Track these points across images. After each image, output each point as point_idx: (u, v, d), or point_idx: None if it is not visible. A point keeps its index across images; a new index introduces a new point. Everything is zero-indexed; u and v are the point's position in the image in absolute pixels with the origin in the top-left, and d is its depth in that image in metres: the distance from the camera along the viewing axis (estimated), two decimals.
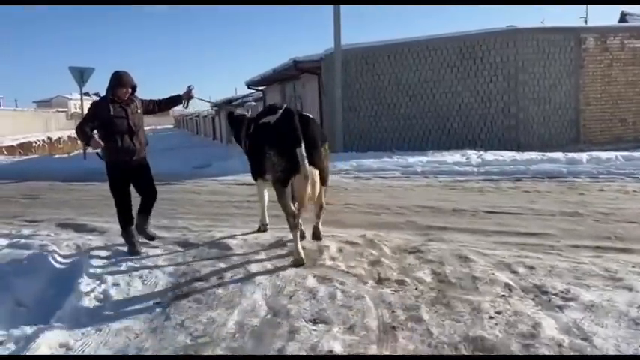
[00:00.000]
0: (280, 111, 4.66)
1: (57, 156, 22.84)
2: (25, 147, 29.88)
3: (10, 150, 27.58)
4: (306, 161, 4.26)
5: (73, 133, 26.92)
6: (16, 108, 44.39)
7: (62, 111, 50.63)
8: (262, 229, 5.76)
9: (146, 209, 5.43)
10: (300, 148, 4.26)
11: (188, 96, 5.58)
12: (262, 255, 4.87)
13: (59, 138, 35.27)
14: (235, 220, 6.49)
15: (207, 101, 7.43)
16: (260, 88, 21.94)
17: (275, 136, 4.53)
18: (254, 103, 25.70)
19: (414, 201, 7.15)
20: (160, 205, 7.62)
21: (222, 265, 4.62)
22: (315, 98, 15.51)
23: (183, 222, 6.48)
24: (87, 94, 19.04)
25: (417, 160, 10.65)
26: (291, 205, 4.61)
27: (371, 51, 14.32)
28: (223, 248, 5.13)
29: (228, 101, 27.78)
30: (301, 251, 4.57)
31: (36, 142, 31.28)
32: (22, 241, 5.56)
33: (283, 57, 16.24)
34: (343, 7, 13.82)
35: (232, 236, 5.51)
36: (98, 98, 5.24)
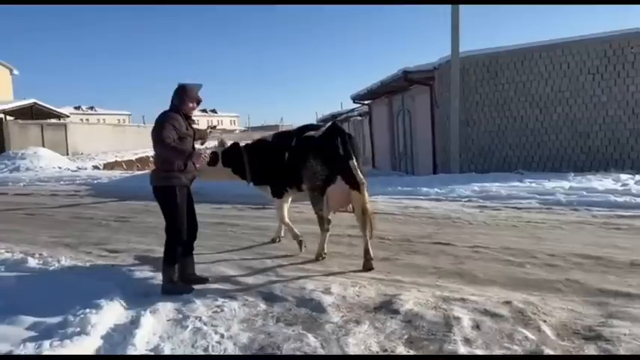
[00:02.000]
0: (324, 127, 5.12)
1: None
2: (143, 161, 31.28)
3: (129, 164, 28.94)
4: (359, 171, 4.80)
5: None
6: (139, 125, 47.31)
7: None
8: (277, 240, 6.18)
9: (192, 247, 4.75)
10: (353, 160, 4.81)
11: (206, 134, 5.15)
12: (366, 326, 3.54)
13: None
14: (332, 261, 5.24)
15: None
16: (366, 102, 20.77)
17: (324, 149, 4.91)
18: (359, 117, 24.70)
19: (566, 245, 5.44)
20: (249, 236, 6.70)
21: (312, 339, 3.36)
22: (426, 112, 14.00)
23: (272, 261, 5.35)
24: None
25: (556, 186, 8.75)
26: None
27: (494, 57, 12.55)
28: (315, 309, 3.89)
29: (333, 117, 27.07)
30: (325, 247, 5.28)
31: (152, 157, 32.68)
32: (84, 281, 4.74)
33: (392, 69, 14.95)
34: (462, 8, 12.23)
35: (327, 289, 4.25)
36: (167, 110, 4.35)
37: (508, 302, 3.78)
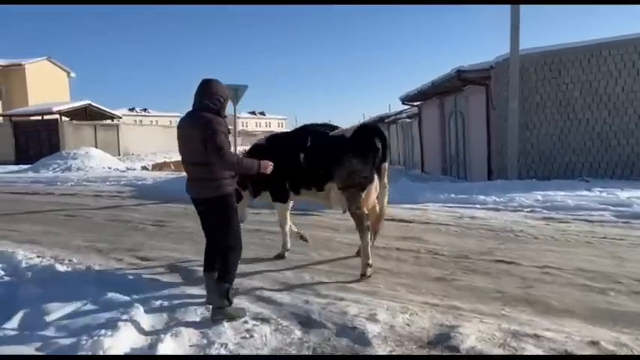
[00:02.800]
0: (354, 126, 5.05)
1: None
2: None
3: (177, 165, 29.18)
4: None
5: (237, 149, 27.53)
6: None
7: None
8: (282, 255, 5.59)
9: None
10: (386, 162, 4.93)
11: None
12: None
13: None
14: (379, 280, 4.65)
15: None
16: (416, 103, 19.97)
17: (362, 147, 4.78)
18: (408, 119, 23.89)
19: None
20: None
21: None
22: (481, 114, 13.14)
23: (311, 276, 4.82)
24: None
25: (631, 196, 7.81)
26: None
27: (557, 55, 11.56)
28: (358, 340, 3.32)
29: (380, 119, 26.36)
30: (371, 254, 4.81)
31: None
32: (109, 294, 4.35)
33: (442, 70, 14.18)
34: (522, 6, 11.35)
35: (373, 316, 3.67)
36: (212, 115, 3.79)
37: (594, 343, 3.09)
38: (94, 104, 33.15)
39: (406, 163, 22.87)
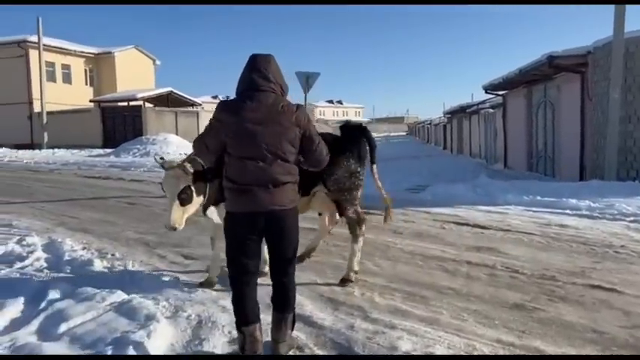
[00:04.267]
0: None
1: None
2: None
3: None
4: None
5: None
6: None
7: None
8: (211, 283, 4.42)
9: None
10: (375, 164, 4.50)
11: None
12: None
13: None
14: (442, 303, 3.89)
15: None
16: (500, 93, 18.49)
17: (358, 148, 4.42)
18: (491, 110, 22.30)
19: None
20: (342, 249, 5.52)
21: None
22: (574, 104, 11.73)
23: (361, 292, 4.15)
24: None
25: None
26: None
27: None
28: None
29: (461, 108, 24.90)
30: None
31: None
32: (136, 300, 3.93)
33: (530, 58, 12.76)
34: None
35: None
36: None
37: None
38: (175, 91, 34.11)
39: (487, 156, 21.38)
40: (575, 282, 4.28)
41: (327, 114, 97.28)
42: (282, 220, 2.90)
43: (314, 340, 3.28)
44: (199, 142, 3.09)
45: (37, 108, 31.01)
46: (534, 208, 7.43)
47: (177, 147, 23.72)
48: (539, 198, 7.77)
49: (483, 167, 16.98)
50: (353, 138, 4.45)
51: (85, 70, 37.40)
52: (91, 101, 33.68)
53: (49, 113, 29.74)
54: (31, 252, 5.51)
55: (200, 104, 38.26)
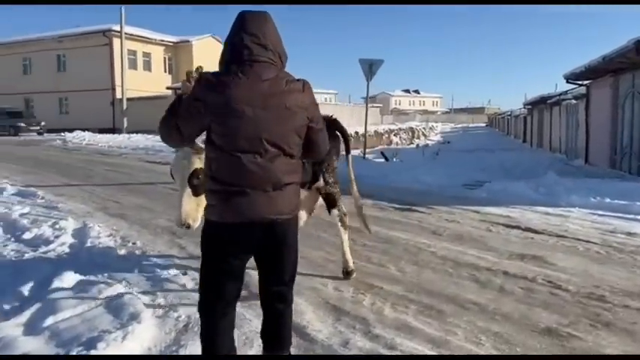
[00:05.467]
0: None
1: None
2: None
3: None
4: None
5: (381, 128, 27.22)
6: (345, 104, 48.32)
7: (376, 106, 52.99)
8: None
9: None
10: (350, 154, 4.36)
11: None
12: None
13: (364, 133, 36.28)
14: (460, 320, 3.37)
15: None
16: (583, 82, 16.96)
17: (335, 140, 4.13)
18: (574, 101, 20.56)
19: None
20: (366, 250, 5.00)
21: None
22: None
23: (372, 302, 3.71)
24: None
25: None
26: None
27: None
28: None
29: (541, 99, 23.27)
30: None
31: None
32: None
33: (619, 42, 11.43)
34: None
35: None
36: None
37: None
38: None
39: (568, 151, 19.77)
40: (629, 305, 3.59)
41: (403, 104, 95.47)
42: (283, 232, 2.29)
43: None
44: (167, 128, 2.36)
45: (118, 94, 32.55)
46: (600, 212, 6.53)
47: None
48: (608, 200, 6.84)
49: (561, 163, 15.70)
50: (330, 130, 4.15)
51: (165, 58, 38.86)
52: (167, 88, 34.94)
53: (129, 99, 31.10)
54: (59, 236, 5.53)
55: None
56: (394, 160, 18.65)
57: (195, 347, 3.02)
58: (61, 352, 2.94)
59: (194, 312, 3.49)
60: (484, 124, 76.40)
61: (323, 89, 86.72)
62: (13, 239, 5.56)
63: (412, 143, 40.80)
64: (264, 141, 2.16)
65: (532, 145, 27.45)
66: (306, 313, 3.52)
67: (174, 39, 39.22)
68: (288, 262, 2.37)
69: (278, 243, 2.30)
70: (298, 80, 2.29)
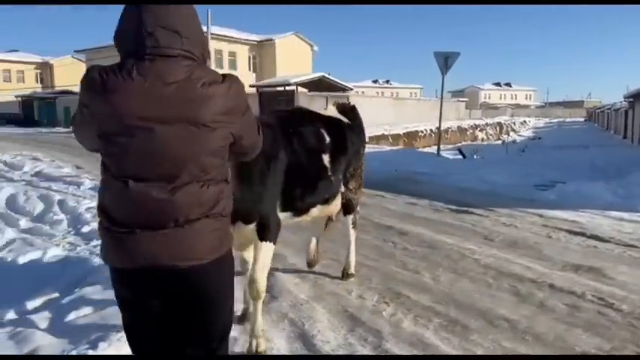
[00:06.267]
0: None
1: (421, 148, 22.15)
2: (411, 135, 30.72)
3: (395, 138, 28.73)
4: None
5: (465, 123, 26.41)
6: (429, 99, 47.24)
7: (462, 100, 51.12)
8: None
9: None
10: None
11: None
12: None
13: (447, 128, 34.98)
14: (486, 337, 3.06)
15: None
16: None
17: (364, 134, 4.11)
18: None
19: None
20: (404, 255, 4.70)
21: None
22: None
23: (391, 312, 3.48)
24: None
25: None
26: None
27: None
28: None
29: (638, 93, 21.24)
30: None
31: (422, 132, 31.74)
32: None
33: None
34: None
35: None
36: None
37: None
38: (327, 76, 34.75)
39: None
40: None
41: (494, 97, 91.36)
42: (194, 284, 1.70)
43: None
44: (75, 133, 1.82)
45: None
46: None
47: None
48: None
49: None
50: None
51: (249, 57, 40.06)
52: (251, 86, 35.96)
53: None
54: None
55: (351, 88, 38.52)
56: (474, 157, 17.84)
57: None
58: (69, 349, 3.01)
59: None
60: (582, 119, 71.67)
61: (410, 84, 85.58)
62: (73, 232, 5.90)
63: (500, 139, 39.04)
64: (166, 165, 1.61)
65: (633, 142, 25.15)
66: (321, 321, 3.38)
67: (257, 38, 40.32)
68: (208, 322, 1.77)
69: (188, 297, 1.72)
70: (224, 78, 1.69)
